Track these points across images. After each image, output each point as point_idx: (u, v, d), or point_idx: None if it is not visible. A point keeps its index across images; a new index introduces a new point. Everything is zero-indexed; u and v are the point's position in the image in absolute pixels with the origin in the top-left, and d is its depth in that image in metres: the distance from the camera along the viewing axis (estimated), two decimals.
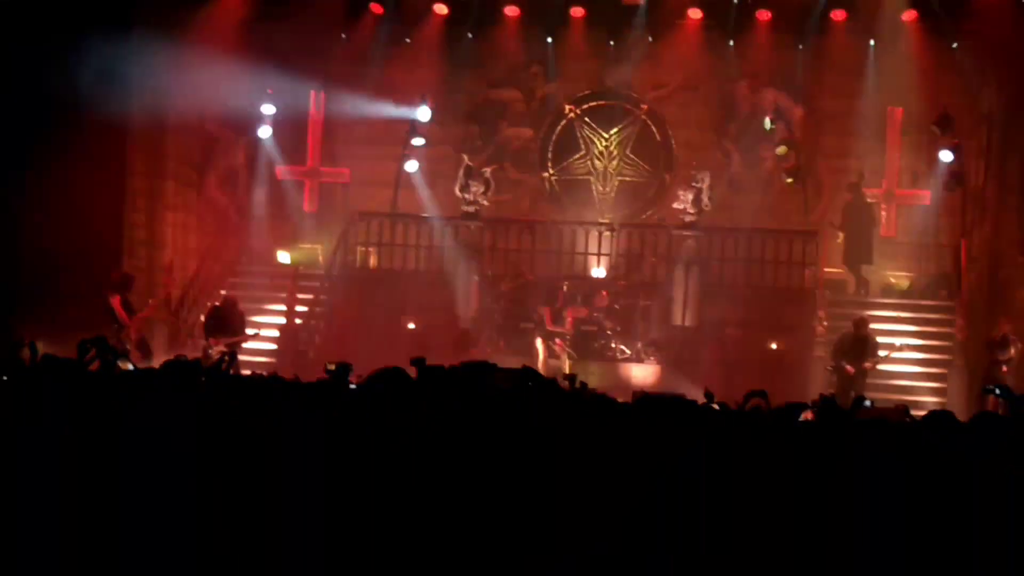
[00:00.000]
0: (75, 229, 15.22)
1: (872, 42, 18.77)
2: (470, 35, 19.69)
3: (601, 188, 19.98)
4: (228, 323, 15.22)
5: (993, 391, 5.50)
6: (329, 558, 4.20)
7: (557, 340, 16.27)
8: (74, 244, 15.37)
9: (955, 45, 18.24)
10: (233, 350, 12.92)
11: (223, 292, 16.50)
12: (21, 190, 15.62)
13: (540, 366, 15.54)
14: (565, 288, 16.88)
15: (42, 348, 7.53)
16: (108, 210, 16.44)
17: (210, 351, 14.38)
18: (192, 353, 13.13)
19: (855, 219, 18.09)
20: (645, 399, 4.94)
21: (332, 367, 5.63)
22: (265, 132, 18.94)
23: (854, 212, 18.12)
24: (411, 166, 18.87)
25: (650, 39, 19.61)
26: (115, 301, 14.22)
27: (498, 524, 4.07)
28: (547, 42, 19.77)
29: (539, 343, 16.25)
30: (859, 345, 15.09)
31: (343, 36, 19.56)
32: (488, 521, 4.04)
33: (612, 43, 19.68)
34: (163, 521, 4.16)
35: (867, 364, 14.89)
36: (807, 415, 5.94)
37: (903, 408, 9.63)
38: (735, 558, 3.67)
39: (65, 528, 4.00)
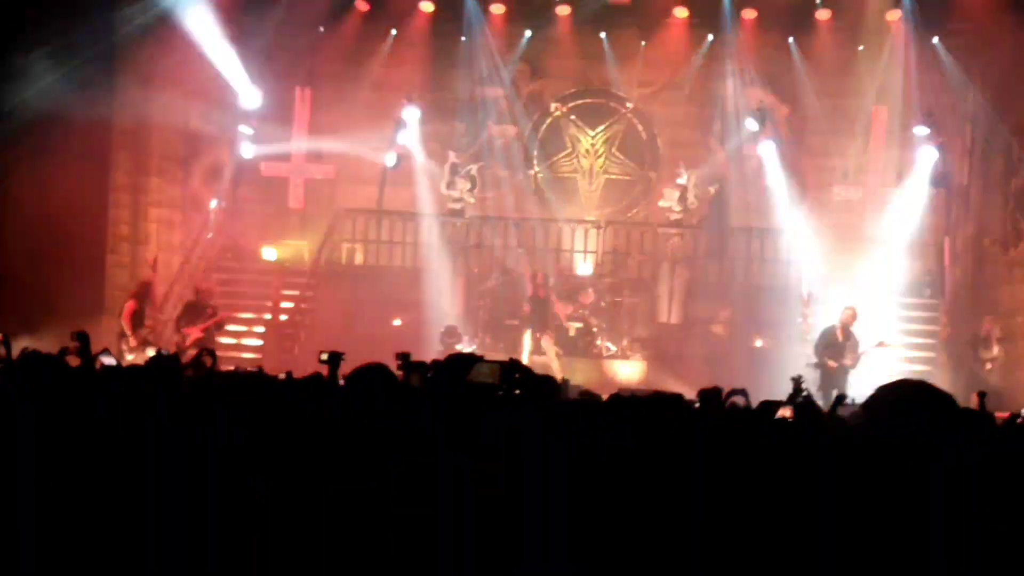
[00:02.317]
0: (58, 225, 15.14)
1: (857, 42, 18.82)
2: (456, 32, 19.67)
3: (587, 186, 20.00)
4: (200, 311, 15.22)
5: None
6: (318, 555, 4.19)
7: (549, 332, 16.19)
8: (57, 240, 15.30)
9: (938, 43, 18.29)
10: (210, 343, 12.91)
11: (196, 286, 16.48)
12: (3, 186, 15.54)
13: (527, 360, 15.51)
14: (551, 281, 16.86)
15: (25, 344, 7.50)
16: (91, 206, 16.37)
17: (185, 343, 14.39)
18: (168, 349, 13.13)
19: (715, 213, 18.18)
20: (618, 398, 4.94)
21: (325, 356, 5.66)
22: (250, 128, 18.87)
23: (716, 207, 18.23)
24: (390, 160, 18.74)
25: (639, 39, 19.63)
26: (128, 307, 14.35)
27: (483, 523, 4.06)
28: (533, 40, 19.76)
29: (527, 337, 16.19)
30: (843, 341, 15.10)
31: (328, 33, 19.50)
32: (472, 520, 4.04)
33: (598, 41, 19.68)
34: (148, 518, 4.14)
35: (846, 361, 14.88)
36: (785, 412, 5.96)
37: None
38: (715, 559, 3.68)
39: (43, 526, 3.98)
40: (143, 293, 14.82)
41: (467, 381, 4.73)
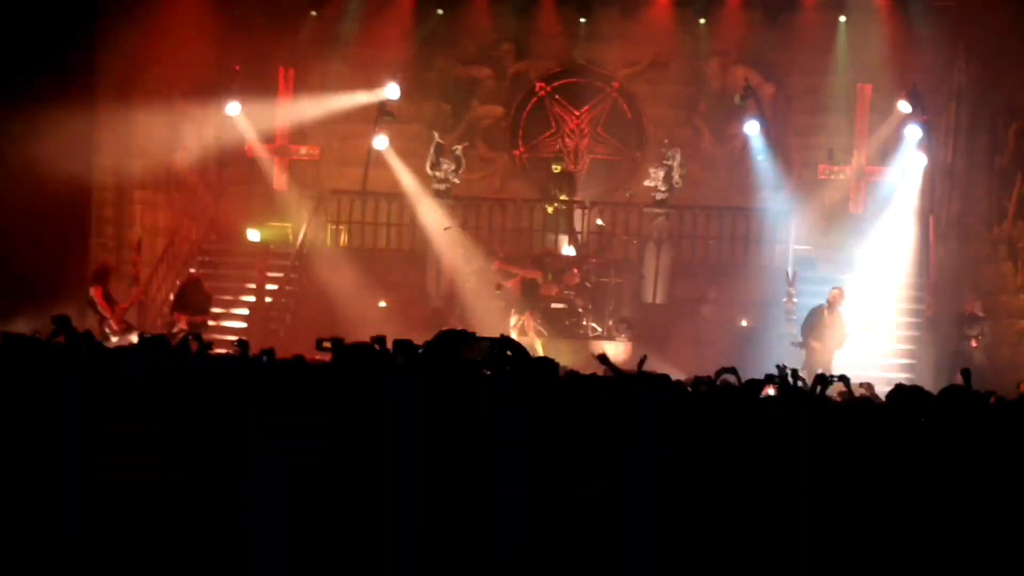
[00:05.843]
0: (40, 207, 15.03)
1: (842, 19, 18.81)
2: (441, 12, 19.59)
3: (572, 166, 19.95)
4: (191, 300, 15.25)
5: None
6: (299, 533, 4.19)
7: (532, 314, 16.18)
8: (39, 222, 15.19)
9: (924, 22, 18.29)
10: (197, 331, 12.89)
11: (192, 270, 16.47)
12: None
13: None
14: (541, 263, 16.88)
15: (7, 330, 7.44)
16: (75, 188, 16.25)
17: (173, 329, 14.38)
18: (156, 331, 13.12)
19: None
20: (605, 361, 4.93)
21: (327, 344, 5.57)
22: (234, 109, 18.76)
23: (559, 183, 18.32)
24: (380, 143, 18.82)
25: (623, 18, 19.56)
26: (97, 293, 14.38)
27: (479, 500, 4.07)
28: (518, 20, 19.67)
29: (512, 320, 16.18)
30: (830, 322, 15.09)
31: (312, 13, 19.42)
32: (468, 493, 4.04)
33: (583, 21, 19.63)
34: (131, 493, 4.14)
35: (831, 342, 14.86)
36: (769, 390, 6.01)
37: (868, 386, 9.71)
38: (699, 531, 3.69)
39: (29, 500, 3.96)
40: (104, 275, 14.80)
41: (459, 357, 4.72)
